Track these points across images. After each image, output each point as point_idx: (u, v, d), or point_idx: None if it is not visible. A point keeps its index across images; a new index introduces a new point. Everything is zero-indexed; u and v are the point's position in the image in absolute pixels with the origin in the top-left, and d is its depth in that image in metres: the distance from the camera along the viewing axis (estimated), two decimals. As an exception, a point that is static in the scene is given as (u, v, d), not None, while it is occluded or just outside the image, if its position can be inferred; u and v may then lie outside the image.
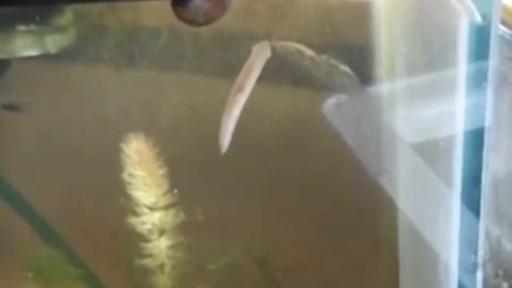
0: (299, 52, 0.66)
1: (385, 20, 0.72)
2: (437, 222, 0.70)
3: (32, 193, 0.87)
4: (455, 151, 0.65)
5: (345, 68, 0.67)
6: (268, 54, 0.56)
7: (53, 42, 0.86)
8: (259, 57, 0.55)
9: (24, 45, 0.86)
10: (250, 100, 0.85)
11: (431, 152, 0.69)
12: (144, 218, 0.82)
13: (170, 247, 0.83)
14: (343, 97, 0.70)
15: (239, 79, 0.56)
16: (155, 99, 0.87)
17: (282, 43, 0.65)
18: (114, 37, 0.87)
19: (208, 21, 0.48)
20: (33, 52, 0.86)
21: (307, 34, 0.78)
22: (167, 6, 0.84)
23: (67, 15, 0.86)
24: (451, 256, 0.68)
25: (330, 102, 0.72)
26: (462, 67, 0.60)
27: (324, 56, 0.66)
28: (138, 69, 0.88)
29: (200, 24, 0.48)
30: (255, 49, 0.60)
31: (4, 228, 0.88)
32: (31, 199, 0.87)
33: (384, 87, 0.72)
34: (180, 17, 0.47)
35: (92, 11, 0.87)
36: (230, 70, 0.86)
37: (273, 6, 0.83)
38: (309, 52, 0.66)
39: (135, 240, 0.82)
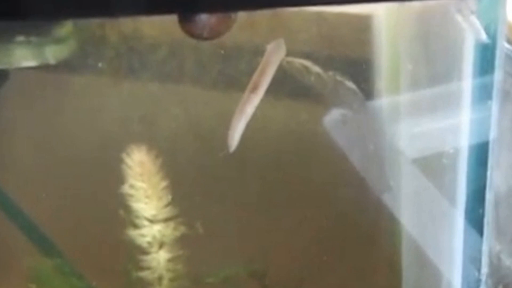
0: (306, 68, 0.65)
1: (387, 34, 0.72)
2: (441, 239, 0.70)
3: (30, 204, 0.87)
4: (459, 167, 0.65)
5: (351, 85, 0.67)
6: (283, 52, 0.55)
7: (52, 53, 0.86)
8: (274, 55, 0.54)
9: (23, 55, 0.85)
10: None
11: (434, 168, 0.69)
12: (144, 231, 0.81)
13: (169, 260, 0.83)
14: (346, 113, 0.70)
15: (254, 78, 0.54)
16: (155, 111, 0.87)
17: (288, 58, 0.65)
18: (114, 48, 0.87)
19: (214, 36, 0.47)
20: (32, 63, 0.85)
21: (307, 47, 0.78)
22: (168, 17, 0.84)
23: (67, 26, 0.86)
24: (454, 273, 0.68)
25: (333, 118, 0.72)
26: (467, 84, 0.60)
27: (331, 73, 0.66)
28: (138, 80, 0.88)
29: (206, 39, 0.48)
30: (269, 47, 0.59)
31: (3, 240, 0.87)
32: (29, 210, 0.87)
33: (387, 102, 0.72)
34: (186, 32, 0.47)
35: (93, 22, 0.86)
36: (231, 82, 0.86)
37: (274, 19, 0.83)
38: (315, 68, 0.66)
39: (134, 252, 0.82)
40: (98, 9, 0.46)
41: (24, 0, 0.45)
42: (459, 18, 0.53)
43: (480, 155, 0.64)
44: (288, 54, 0.78)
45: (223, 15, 0.47)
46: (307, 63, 0.66)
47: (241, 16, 0.83)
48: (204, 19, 0.47)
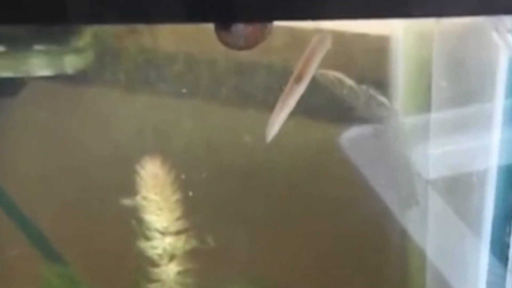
0: (339, 81, 0.66)
1: (407, 54, 0.73)
2: (463, 266, 0.69)
3: (42, 215, 0.86)
4: (485, 191, 0.64)
5: (383, 99, 0.67)
6: (328, 45, 0.54)
7: (70, 63, 0.86)
8: (319, 47, 0.53)
9: (41, 64, 0.86)
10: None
11: (460, 190, 0.68)
12: (155, 243, 0.81)
13: (179, 273, 0.83)
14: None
15: (298, 69, 0.53)
16: (169, 124, 0.87)
17: (321, 71, 0.65)
18: (131, 60, 0.87)
19: (249, 46, 0.48)
20: (50, 72, 0.86)
21: (324, 66, 0.79)
22: (185, 30, 0.85)
23: (86, 37, 0.86)
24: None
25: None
26: (500, 102, 0.60)
27: (364, 86, 0.67)
28: (154, 93, 0.88)
29: (241, 48, 0.48)
30: (315, 39, 0.58)
31: (12, 247, 0.87)
32: (40, 221, 0.87)
33: (413, 121, 0.72)
34: (222, 41, 0.48)
35: (112, 33, 0.87)
36: (246, 98, 0.86)
37: (291, 36, 0.83)
38: (348, 81, 0.66)
39: (144, 264, 0.82)
40: (136, 16, 0.46)
41: (66, 5, 0.46)
42: (494, 36, 0.54)
43: (509, 179, 0.64)
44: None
45: (259, 25, 0.48)
46: (340, 75, 0.67)
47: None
48: (241, 29, 0.47)
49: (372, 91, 0.67)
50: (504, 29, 0.53)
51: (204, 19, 0.46)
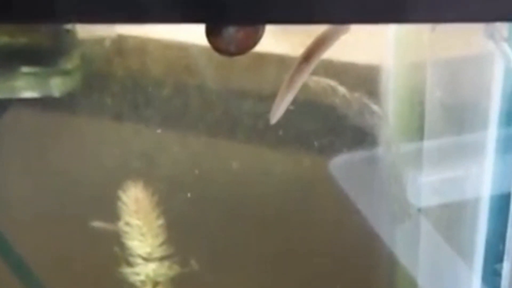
0: (332, 88, 0.65)
1: (398, 83, 0.72)
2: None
3: (22, 241, 0.84)
4: (477, 219, 0.63)
5: (376, 108, 0.66)
6: (347, 30, 0.51)
7: (57, 85, 0.85)
8: (337, 31, 0.50)
9: (27, 86, 0.84)
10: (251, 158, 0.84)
11: (450, 219, 0.67)
12: (138, 269, 0.80)
13: (161, 300, 0.81)
14: (352, 156, 0.69)
15: (309, 47, 0.50)
16: (155, 151, 0.86)
17: (315, 78, 0.64)
18: (118, 84, 0.86)
19: (241, 51, 0.47)
20: (35, 94, 0.85)
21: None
22: (174, 54, 0.84)
23: (74, 59, 0.85)
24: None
25: (338, 161, 0.71)
26: (494, 131, 0.59)
27: (357, 94, 0.66)
28: (140, 119, 0.87)
29: (233, 54, 0.47)
30: None
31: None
32: (21, 247, 0.85)
33: (403, 149, 0.71)
34: (214, 46, 0.47)
35: (100, 56, 0.86)
36: (233, 125, 0.86)
37: (282, 64, 0.83)
38: (341, 89, 0.65)
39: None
40: (125, 15, 0.46)
41: (54, 3, 0.45)
42: (490, 44, 0.53)
43: (501, 207, 0.62)
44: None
45: (250, 30, 0.47)
46: (334, 83, 0.66)
47: (248, 59, 0.84)
48: (232, 33, 0.46)
49: (365, 100, 0.66)
50: (500, 37, 0.53)
51: (195, 19, 0.45)
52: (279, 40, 0.75)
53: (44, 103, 0.86)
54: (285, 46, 0.76)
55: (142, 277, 0.80)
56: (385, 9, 0.44)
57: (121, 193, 0.80)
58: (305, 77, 0.50)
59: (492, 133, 0.63)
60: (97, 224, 0.81)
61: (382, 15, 0.44)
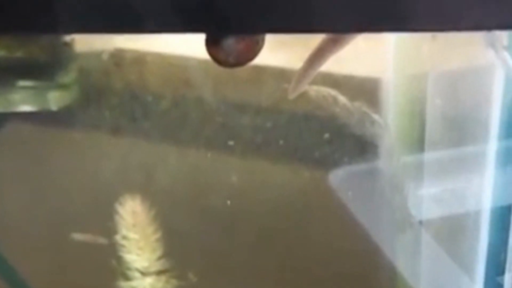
0: (332, 97, 0.65)
1: (399, 95, 0.72)
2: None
3: (19, 253, 0.84)
4: (479, 231, 0.63)
5: (377, 117, 0.66)
6: None
7: (54, 99, 0.85)
8: None
9: (24, 99, 0.84)
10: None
11: (452, 231, 0.67)
12: (135, 283, 0.79)
13: (159, 315, 0.80)
14: (352, 168, 0.69)
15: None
16: (153, 164, 0.86)
17: (315, 87, 0.64)
18: (116, 97, 0.86)
19: (240, 63, 0.47)
20: (33, 108, 0.84)
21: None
22: (172, 67, 0.84)
23: (71, 73, 0.85)
24: None
25: (337, 173, 0.71)
26: (494, 143, 0.59)
27: (357, 103, 0.65)
28: (138, 132, 0.87)
29: (232, 66, 0.47)
30: None
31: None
32: (17, 260, 0.84)
33: (404, 162, 0.71)
34: (213, 57, 0.46)
35: (98, 70, 0.86)
36: (231, 138, 0.85)
37: (280, 77, 0.83)
38: (342, 98, 0.65)
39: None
40: (125, 24, 0.45)
41: (54, 14, 0.45)
42: (490, 53, 0.53)
43: (502, 219, 0.62)
44: (291, 114, 0.78)
45: (250, 41, 0.46)
46: (334, 92, 0.65)
47: (247, 71, 0.83)
48: (232, 44, 0.46)
49: (365, 109, 0.65)
50: (500, 45, 0.53)
51: (195, 29, 0.45)
52: (277, 53, 0.75)
53: (42, 117, 0.85)
54: (283, 58, 0.76)
55: (139, 292, 0.79)
56: (386, 17, 0.44)
57: (118, 207, 0.79)
58: (330, 57, 0.48)
59: (493, 144, 0.62)
60: (77, 236, 0.80)
61: (383, 23, 0.44)
